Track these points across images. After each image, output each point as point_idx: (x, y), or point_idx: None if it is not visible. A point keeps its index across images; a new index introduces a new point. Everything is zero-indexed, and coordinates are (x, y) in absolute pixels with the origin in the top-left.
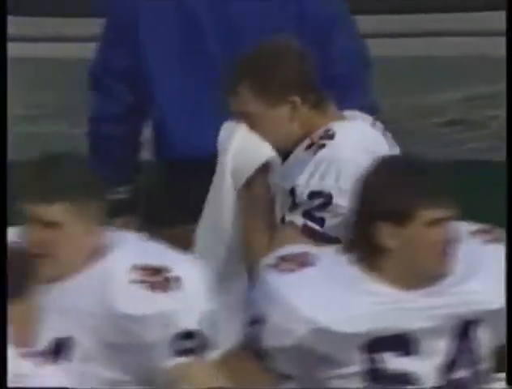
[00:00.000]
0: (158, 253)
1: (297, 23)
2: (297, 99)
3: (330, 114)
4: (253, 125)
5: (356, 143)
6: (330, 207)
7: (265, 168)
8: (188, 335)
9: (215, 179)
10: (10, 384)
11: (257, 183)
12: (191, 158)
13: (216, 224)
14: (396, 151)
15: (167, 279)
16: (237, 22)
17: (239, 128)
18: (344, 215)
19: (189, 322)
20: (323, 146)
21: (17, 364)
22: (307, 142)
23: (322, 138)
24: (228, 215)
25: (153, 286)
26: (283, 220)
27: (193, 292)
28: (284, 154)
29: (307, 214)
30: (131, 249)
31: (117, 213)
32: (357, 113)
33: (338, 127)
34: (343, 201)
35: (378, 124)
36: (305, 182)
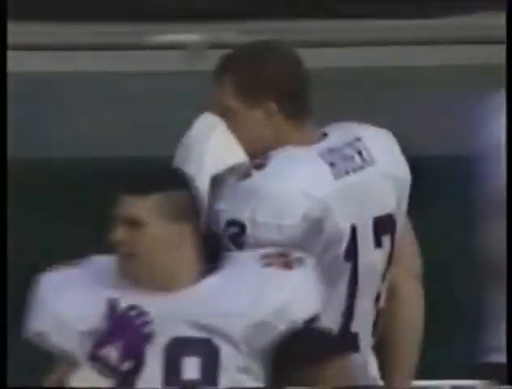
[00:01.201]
0: None
1: None
2: (273, 105)
3: (306, 130)
4: (228, 120)
5: (285, 176)
6: (244, 237)
7: (231, 170)
8: None
9: (191, 166)
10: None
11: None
12: None
13: None
14: (347, 177)
15: None
16: None
17: (220, 124)
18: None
19: None
20: (249, 175)
21: None
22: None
23: (252, 167)
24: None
25: None
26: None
27: None
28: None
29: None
30: None
31: None
32: (338, 129)
33: (275, 156)
34: (260, 233)
35: (354, 147)
36: (226, 209)
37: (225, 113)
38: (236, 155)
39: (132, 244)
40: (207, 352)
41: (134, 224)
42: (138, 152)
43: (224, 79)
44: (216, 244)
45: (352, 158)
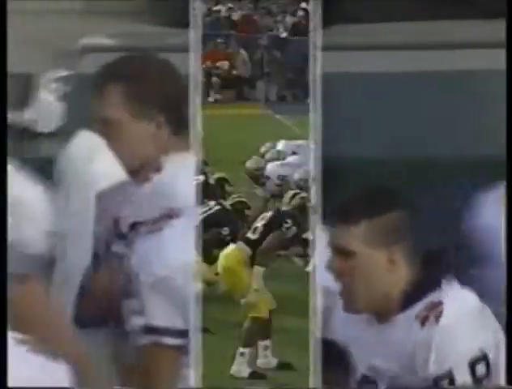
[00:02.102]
0: None
1: None
2: (162, 118)
3: (185, 140)
4: (112, 133)
5: (183, 176)
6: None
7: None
8: None
9: (71, 186)
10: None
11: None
12: None
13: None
14: None
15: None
16: None
17: (101, 146)
18: None
19: None
20: (148, 180)
21: None
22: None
23: (149, 171)
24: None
25: None
26: None
27: None
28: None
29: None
30: None
31: None
32: None
33: (169, 160)
34: None
35: None
36: (130, 214)
37: (109, 125)
38: (119, 173)
39: (347, 275)
40: None
41: (346, 254)
42: None
43: (110, 90)
44: (437, 265)
45: None
